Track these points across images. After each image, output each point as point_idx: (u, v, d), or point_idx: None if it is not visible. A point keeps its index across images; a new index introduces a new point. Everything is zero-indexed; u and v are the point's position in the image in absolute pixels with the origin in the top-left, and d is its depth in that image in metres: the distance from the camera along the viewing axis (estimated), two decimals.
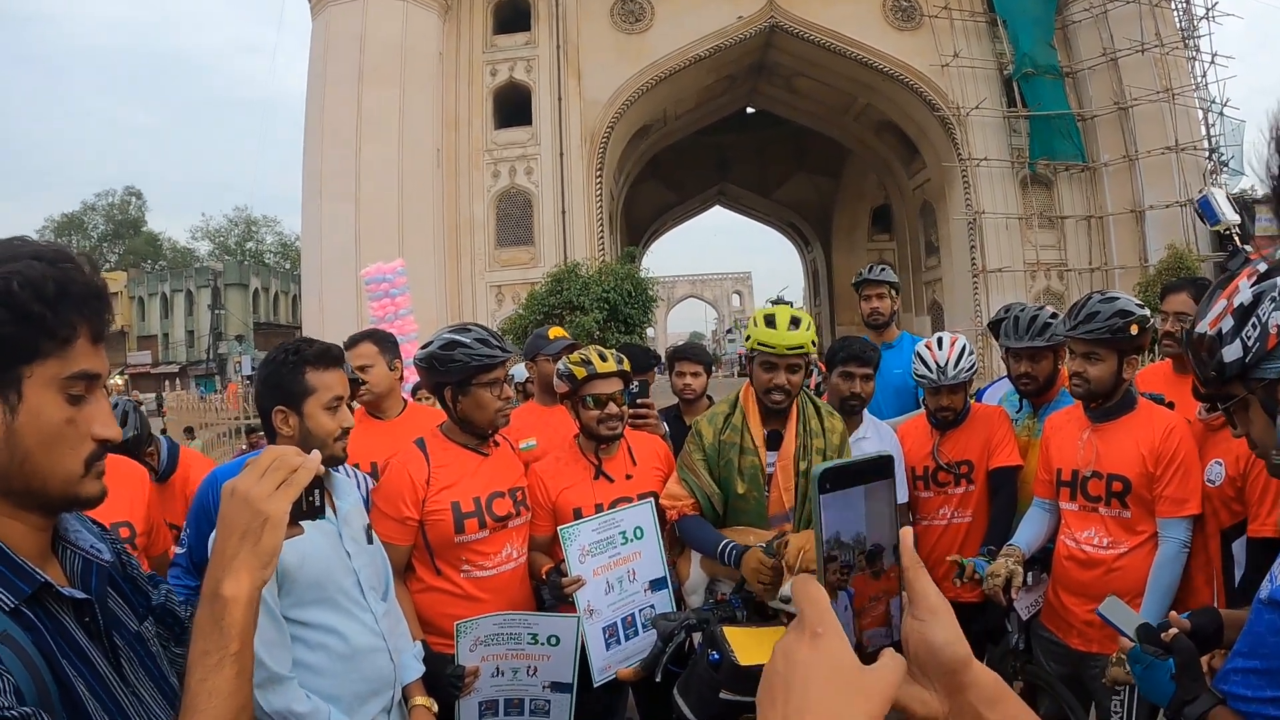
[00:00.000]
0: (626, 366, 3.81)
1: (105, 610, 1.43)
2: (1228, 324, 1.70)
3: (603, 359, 3.73)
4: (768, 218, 49.47)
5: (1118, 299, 3.48)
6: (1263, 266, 1.69)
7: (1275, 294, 1.65)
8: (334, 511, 2.78)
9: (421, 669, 3.08)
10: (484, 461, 3.60)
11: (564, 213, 26.50)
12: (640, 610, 3.57)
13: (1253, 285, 1.68)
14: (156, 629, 1.59)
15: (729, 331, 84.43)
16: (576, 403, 3.74)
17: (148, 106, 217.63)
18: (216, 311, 55.09)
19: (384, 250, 22.79)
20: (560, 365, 3.80)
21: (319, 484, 1.49)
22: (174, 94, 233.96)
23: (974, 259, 28.58)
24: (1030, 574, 3.83)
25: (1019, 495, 4.22)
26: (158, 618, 1.62)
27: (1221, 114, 28.28)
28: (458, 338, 3.47)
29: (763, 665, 2.89)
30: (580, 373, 3.67)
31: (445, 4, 27.14)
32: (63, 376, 1.34)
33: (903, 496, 4.38)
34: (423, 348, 3.58)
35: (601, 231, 27.14)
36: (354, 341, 4.61)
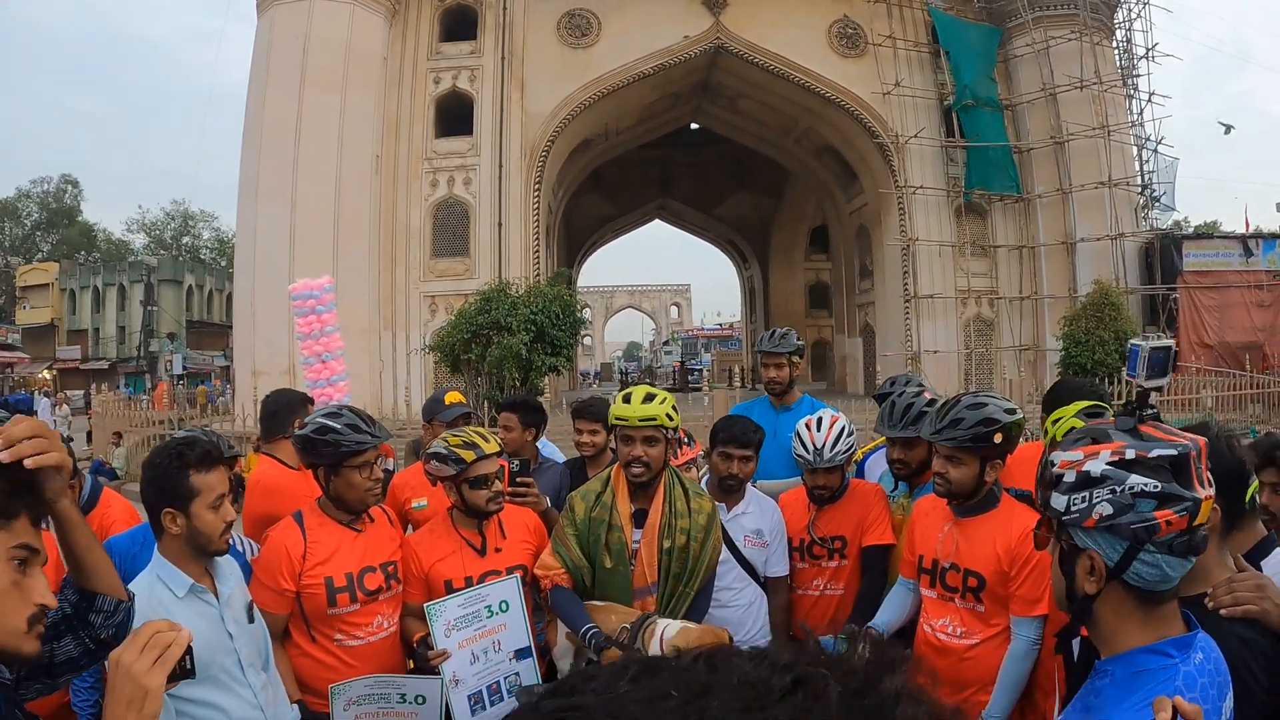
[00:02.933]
0: (498, 447, 4.00)
1: None
2: (1070, 477, 1.81)
3: (485, 440, 3.93)
4: (707, 233, 49.63)
5: (985, 405, 3.52)
6: (1131, 453, 1.75)
7: (1117, 486, 1.75)
8: (216, 596, 3.01)
9: (284, 688, 3.32)
10: (358, 537, 3.78)
11: (501, 225, 26.37)
12: (505, 678, 3.76)
13: (1107, 463, 1.77)
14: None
15: (666, 343, 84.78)
16: (461, 483, 3.87)
17: (93, 92, 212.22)
18: (149, 308, 54.22)
19: (318, 254, 22.62)
20: (441, 449, 3.90)
21: (188, 649, 1.75)
22: (121, 81, 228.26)
23: (906, 284, 28.84)
24: None
25: (892, 571, 4.34)
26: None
27: (1156, 151, 28.91)
28: (330, 423, 3.65)
29: None
30: (469, 456, 3.82)
31: (392, 8, 26.94)
32: (9, 546, 1.70)
33: (785, 568, 4.53)
34: (300, 429, 3.78)
35: (537, 245, 27.09)
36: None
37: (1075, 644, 3.28)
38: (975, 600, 3.56)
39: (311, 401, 5.38)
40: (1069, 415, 3.93)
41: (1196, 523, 1.74)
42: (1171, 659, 1.79)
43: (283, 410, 5.07)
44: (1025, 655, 3.41)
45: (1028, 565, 3.42)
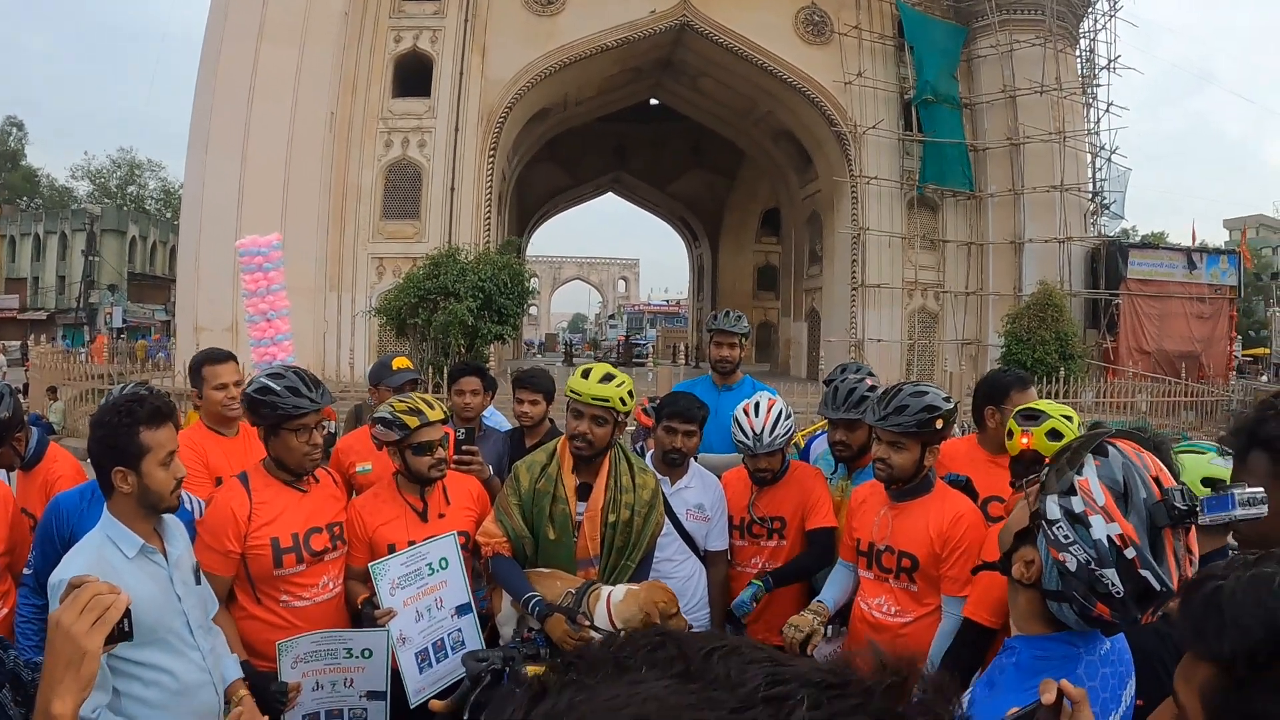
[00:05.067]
0: (444, 414, 4.04)
1: None
2: (1076, 505, 1.79)
3: (430, 407, 3.96)
4: (659, 209, 49.52)
5: (926, 393, 3.65)
6: (1130, 554, 1.73)
7: (1094, 562, 1.75)
8: (165, 557, 2.97)
9: (239, 670, 3.26)
10: (303, 498, 3.79)
11: (453, 189, 26.09)
12: (449, 634, 3.84)
13: (1107, 537, 1.75)
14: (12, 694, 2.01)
15: (611, 317, 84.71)
16: (404, 449, 3.92)
17: (44, 29, 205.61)
18: (90, 258, 53.21)
19: (266, 211, 22.30)
20: (386, 414, 3.93)
21: (127, 612, 1.78)
22: (74, 18, 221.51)
23: (854, 272, 29.11)
24: (830, 627, 4.08)
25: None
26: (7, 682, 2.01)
27: (1109, 160, 29.34)
28: (271, 384, 3.65)
29: None
30: (413, 422, 3.86)
31: None
32: None
33: (724, 543, 4.64)
34: (249, 385, 3.78)
35: (489, 212, 26.88)
36: (226, 357, 4.77)
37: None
38: (909, 580, 3.69)
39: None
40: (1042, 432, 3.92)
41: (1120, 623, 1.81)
42: (1076, 648, 1.87)
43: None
44: (952, 632, 3.52)
45: (958, 548, 3.56)
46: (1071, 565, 1.76)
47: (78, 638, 1.66)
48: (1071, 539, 1.77)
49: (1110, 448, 1.84)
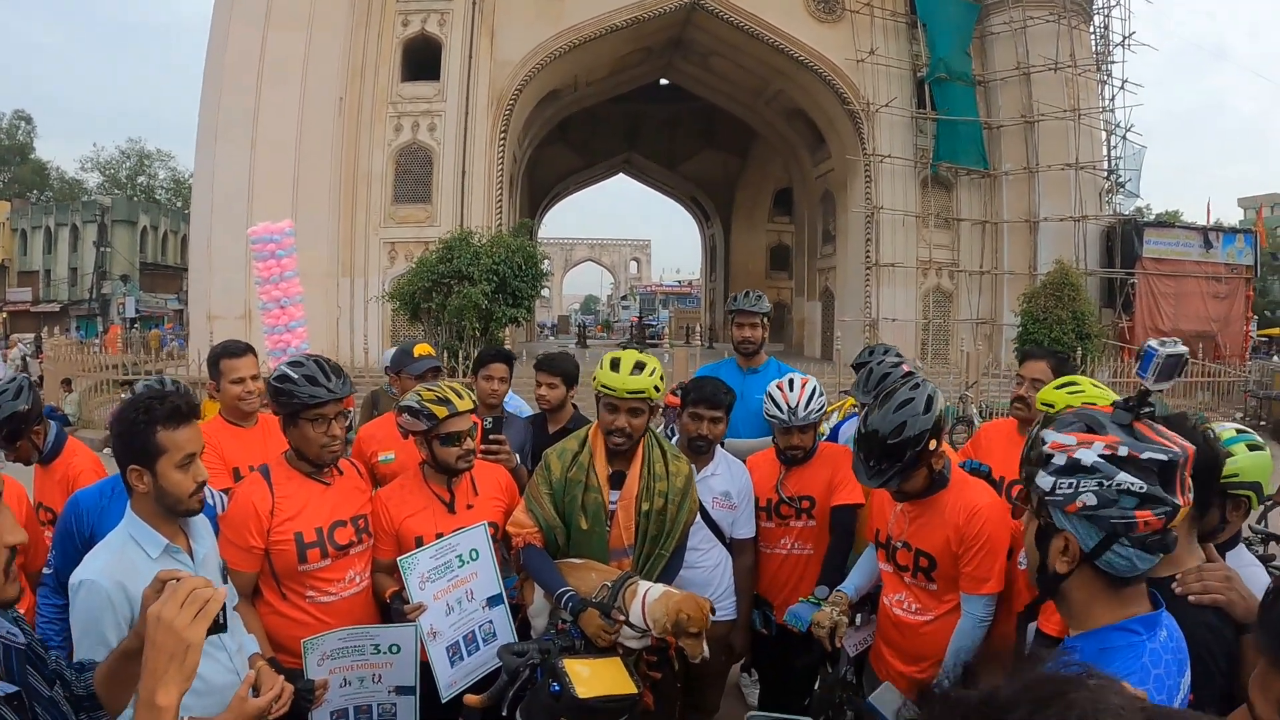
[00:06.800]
0: (472, 404, 3.92)
1: (26, 687, 1.81)
2: (1060, 460, 1.82)
3: (459, 396, 3.85)
4: (671, 190, 49.44)
5: (904, 424, 3.25)
6: (1124, 450, 1.77)
7: (1105, 480, 1.77)
8: (191, 556, 2.90)
9: (257, 647, 3.24)
10: (326, 490, 3.70)
11: (464, 173, 25.99)
12: (480, 626, 3.77)
13: (1100, 455, 1.78)
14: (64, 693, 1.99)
15: (624, 298, 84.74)
16: (432, 439, 3.82)
17: (50, 22, 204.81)
18: (102, 249, 53.20)
19: (277, 197, 22.29)
20: (413, 403, 3.83)
21: (223, 606, 1.83)
22: (78, 10, 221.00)
23: (868, 251, 29.04)
24: (860, 614, 3.99)
25: (861, 539, 4.36)
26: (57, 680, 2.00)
27: (1124, 138, 29.14)
28: (289, 372, 3.57)
29: (598, 697, 3.06)
30: (442, 412, 3.76)
31: None
32: None
33: (751, 530, 4.54)
34: (273, 373, 3.70)
35: (500, 194, 26.81)
36: (243, 350, 4.66)
37: (1030, 629, 3.27)
38: (927, 579, 3.55)
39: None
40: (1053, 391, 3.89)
41: (1171, 525, 1.78)
42: (1139, 635, 1.83)
43: None
44: (970, 631, 3.42)
45: (975, 545, 3.41)
46: (1092, 502, 1.78)
47: (181, 630, 1.73)
48: (1074, 483, 1.79)
49: (1055, 419, 1.92)
